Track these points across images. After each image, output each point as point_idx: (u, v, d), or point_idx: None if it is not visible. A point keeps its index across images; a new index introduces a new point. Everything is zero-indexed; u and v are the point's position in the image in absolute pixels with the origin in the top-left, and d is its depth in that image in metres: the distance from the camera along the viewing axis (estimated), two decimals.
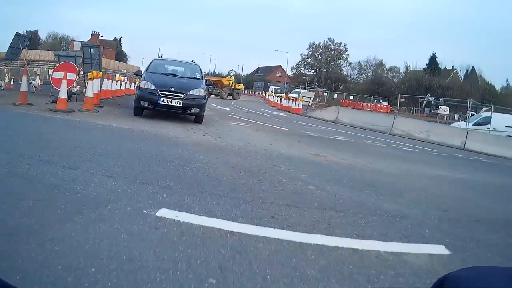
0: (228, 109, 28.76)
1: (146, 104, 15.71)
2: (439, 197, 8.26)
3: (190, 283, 3.33)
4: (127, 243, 3.91)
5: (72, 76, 17.78)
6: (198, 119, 17.06)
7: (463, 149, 22.64)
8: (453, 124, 34.79)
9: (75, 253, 3.57)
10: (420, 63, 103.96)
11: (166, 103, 15.56)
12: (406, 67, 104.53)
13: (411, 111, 68.52)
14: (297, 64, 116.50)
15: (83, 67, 26.12)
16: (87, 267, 3.34)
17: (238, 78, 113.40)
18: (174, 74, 18.08)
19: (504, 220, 7.17)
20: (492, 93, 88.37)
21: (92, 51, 27.94)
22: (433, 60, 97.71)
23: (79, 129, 11.23)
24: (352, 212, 6.06)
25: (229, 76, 69.45)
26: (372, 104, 69.67)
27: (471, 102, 43.14)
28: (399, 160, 13.68)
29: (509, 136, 28.33)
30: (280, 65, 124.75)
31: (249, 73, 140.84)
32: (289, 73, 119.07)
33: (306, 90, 67.99)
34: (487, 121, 31.62)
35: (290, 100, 41.78)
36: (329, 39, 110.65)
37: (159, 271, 3.45)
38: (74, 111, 15.33)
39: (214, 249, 4.03)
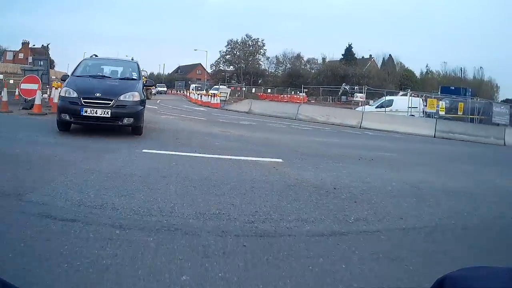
0: (156, 107, 33.42)
1: (67, 117, 12.43)
2: (299, 147, 13.60)
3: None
4: (126, 163, 8.95)
5: (35, 86, 21.24)
6: (136, 131, 13.44)
7: (360, 127, 27.60)
8: (357, 108, 39.66)
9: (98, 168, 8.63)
10: (337, 54, 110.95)
11: (90, 114, 12.22)
12: (323, 58, 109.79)
13: (328, 99, 72.95)
14: (216, 61, 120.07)
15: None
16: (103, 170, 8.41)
17: (160, 78, 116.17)
18: (105, 76, 14.60)
19: (334, 154, 12.44)
20: (411, 79, 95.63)
21: (42, 63, 29.60)
22: (349, 50, 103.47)
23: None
24: (238, 150, 11.41)
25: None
26: (289, 96, 73.46)
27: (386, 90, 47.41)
28: (288, 134, 19.14)
29: (412, 115, 33.57)
30: (200, 63, 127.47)
31: (170, 72, 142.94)
32: (209, 70, 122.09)
33: (225, 87, 72.53)
34: (389, 104, 36.47)
35: (210, 96, 45.68)
36: (246, 35, 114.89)
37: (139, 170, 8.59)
38: (46, 114, 18.81)
39: (167, 159, 9.21)
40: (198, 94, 53.09)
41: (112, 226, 4.71)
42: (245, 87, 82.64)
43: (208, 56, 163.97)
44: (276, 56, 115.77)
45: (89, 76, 14.16)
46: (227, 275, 3.72)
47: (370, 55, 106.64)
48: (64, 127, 13.20)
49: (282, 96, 72.54)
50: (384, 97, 39.64)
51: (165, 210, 5.48)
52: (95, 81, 13.59)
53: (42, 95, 22.29)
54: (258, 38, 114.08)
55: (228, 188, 6.92)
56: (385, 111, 34.50)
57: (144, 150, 10.21)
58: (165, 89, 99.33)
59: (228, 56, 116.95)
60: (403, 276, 4.07)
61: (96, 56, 17.24)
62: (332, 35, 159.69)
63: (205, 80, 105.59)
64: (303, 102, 56.29)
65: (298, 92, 74.28)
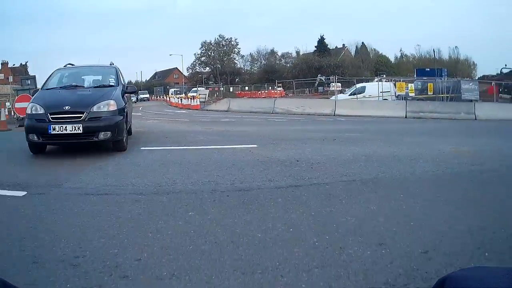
0: (140, 114, 35.26)
1: (35, 137, 10.76)
2: (273, 135, 15.69)
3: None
4: (130, 158, 10.96)
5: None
6: (118, 146, 11.53)
7: (334, 115, 29.71)
8: (332, 97, 41.19)
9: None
10: (310, 46, 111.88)
11: (60, 132, 10.48)
12: (297, 52, 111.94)
13: (306, 92, 74.27)
14: (192, 64, 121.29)
15: None
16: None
17: (138, 85, 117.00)
18: (78, 86, 12.67)
19: (303, 138, 14.39)
20: (386, 64, 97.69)
21: (29, 82, 30.94)
22: (321, 41, 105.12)
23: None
24: (220, 142, 13.39)
25: None
26: (267, 91, 74.55)
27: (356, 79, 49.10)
28: (265, 126, 21.41)
29: (386, 99, 35.83)
30: (177, 67, 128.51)
31: (147, 79, 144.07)
32: (186, 73, 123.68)
33: (203, 88, 74.25)
34: (361, 90, 38.55)
35: (189, 99, 47.54)
36: (219, 36, 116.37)
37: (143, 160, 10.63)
38: None
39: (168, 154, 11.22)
40: (178, 98, 55.07)
41: (136, 194, 6.67)
42: (222, 87, 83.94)
43: (183, 60, 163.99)
44: (250, 54, 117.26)
45: (60, 88, 12.46)
46: (217, 212, 5.68)
47: (343, 45, 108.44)
48: (35, 149, 11.49)
49: (260, 92, 73.93)
50: (355, 85, 41.35)
51: (169, 182, 7.47)
52: (66, 93, 11.94)
53: None
54: (231, 38, 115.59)
55: (214, 166, 8.90)
56: (357, 98, 36.31)
57: (142, 148, 12.20)
58: (147, 95, 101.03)
59: (203, 58, 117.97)
60: (336, 205, 6.00)
61: (72, 65, 15.05)
62: (303, 28, 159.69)
63: (183, 83, 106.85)
64: (281, 96, 58.16)
65: (275, 87, 75.87)
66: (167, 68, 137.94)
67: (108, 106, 11.11)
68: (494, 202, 6.15)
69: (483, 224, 5.03)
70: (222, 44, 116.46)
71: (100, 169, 8.99)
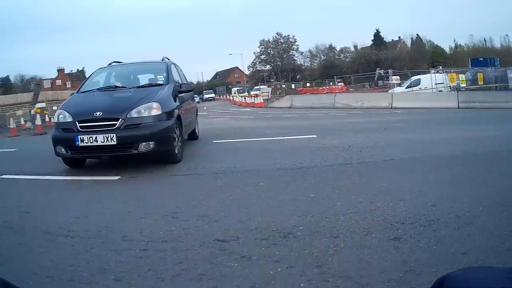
0: (206, 113, 37.13)
1: (63, 150, 9.20)
2: (331, 127, 17.38)
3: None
4: (204, 148, 12.75)
5: None
6: (168, 157, 9.67)
7: (391, 108, 30.85)
8: (389, 91, 42.36)
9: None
10: (367, 40, 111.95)
11: (88, 144, 8.76)
12: (355, 46, 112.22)
13: (366, 86, 74.41)
14: (252, 62, 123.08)
15: None
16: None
17: (200, 85, 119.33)
18: (118, 87, 10.87)
19: (359, 128, 15.90)
20: (441, 55, 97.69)
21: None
22: (377, 35, 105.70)
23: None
24: (283, 134, 14.83)
25: None
26: (328, 87, 75.13)
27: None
28: (325, 119, 23.03)
29: (441, 91, 36.32)
30: (237, 66, 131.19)
31: (209, 79, 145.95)
32: (247, 72, 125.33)
33: (265, 86, 75.60)
34: (417, 83, 39.16)
35: (252, 97, 49.21)
36: (277, 34, 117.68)
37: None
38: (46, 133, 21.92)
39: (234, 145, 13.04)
40: (241, 96, 56.85)
41: (214, 173, 8.45)
42: (284, 84, 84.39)
43: (243, 59, 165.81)
44: (309, 50, 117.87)
45: (98, 89, 10.77)
46: (281, 182, 7.37)
47: (399, 37, 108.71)
48: (71, 163, 9.96)
49: (321, 88, 74.48)
50: (410, 78, 42.18)
51: (241, 164, 9.19)
52: (101, 96, 10.19)
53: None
54: (288, 35, 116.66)
55: (278, 153, 10.52)
56: (412, 90, 37.05)
57: (213, 141, 13.70)
58: (212, 95, 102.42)
59: (263, 56, 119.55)
60: (373, 176, 7.49)
61: (118, 62, 13.24)
62: (359, 21, 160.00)
63: (245, 82, 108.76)
64: (342, 91, 59.25)
65: (337, 82, 76.67)
66: (228, 68, 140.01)
67: (150, 109, 9.10)
68: (494, 175, 7.34)
69: (484, 189, 6.37)
70: (280, 42, 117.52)
71: (191, 157, 10.61)
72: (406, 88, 39.60)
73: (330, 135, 14.06)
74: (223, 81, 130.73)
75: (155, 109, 9.15)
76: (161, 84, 10.81)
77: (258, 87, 74.68)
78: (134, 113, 8.93)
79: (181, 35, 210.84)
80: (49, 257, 4.41)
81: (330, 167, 8.48)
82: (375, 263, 3.75)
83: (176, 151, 9.68)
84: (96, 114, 8.87)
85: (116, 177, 8.76)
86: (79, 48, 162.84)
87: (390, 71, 66.54)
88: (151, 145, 8.81)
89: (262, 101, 47.09)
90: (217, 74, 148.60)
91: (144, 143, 8.77)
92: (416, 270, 3.59)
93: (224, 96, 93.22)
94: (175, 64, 13.05)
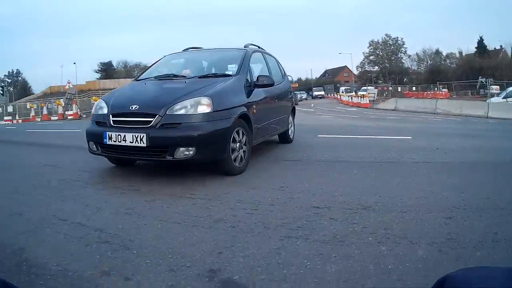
0: (313, 110, 38.66)
1: (94, 146, 7.71)
2: (426, 130, 18.32)
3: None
4: (307, 142, 14.44)
5: None
6: (222, 168, 7.63)
7: (486, 117, 30.87)
8: (487, 100, 40.91)
9: None
10: (470, 46, 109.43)
11: (116, 143, 7.12)
12: (460, 53, 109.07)
13: (468, 93, 73.10)
14: (361, 62, 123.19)
15: None
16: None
17: (308, 82, 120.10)
18: (176, 76, 9.00)
19: (449, 133, 17.06)
20: None
21: None
22: (481, 42, 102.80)
23: None
24: (382, 133, 16.03)
25: None
26: (432, 92, 74.24)
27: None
28: (423, 123, 23.96)
29: None
30: (346, 66, 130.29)
31: (317, 76, 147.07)
32: (355, 72, 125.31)
33: (372, 87, 75.77)
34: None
35: (359, 97, 49.94)
36: (386, 35, 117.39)
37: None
38: None
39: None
40: (348, 96, 57.71)
41: (316, 161, 9.77)
42: (391, 86, 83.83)
43: (352, 58, 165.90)
44: (416, 54, 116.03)
45: (154, 78, 9.02)
46: (373, 171, 8.54)
47: (501, 46, 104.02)
48: (114, 161, 8.60)
49: (426, 93, 73.59)
50: (506, 89, 41.27)
51: (341, 156, 10.48)
52: (150, 86, 8.49)
53: None
54: (397, 37, 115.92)
55: (375, 148, 11.65)
56: (506, 101, 36.28)
57: (319, 135, 14.97)
58: (322, 93, 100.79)
59: (371, 57, 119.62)
60: (440, 173, 8.57)
61: (195, 48, 11.17)
62: (465, 27, 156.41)
63: (353, 81, 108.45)
64: (445, 97, 58.91)
65: (441, 88, 76.09)
66: (337, 66, 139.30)
67: (197, 105, 7.07)
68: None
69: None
70: (389, 43, 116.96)
71: (283, 147, 11.79)
72: (502, 98, 38.67)
73: (423, 137, 15.02)
74: (332, 80, 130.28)
75: (204, 106, 7.02)
76: (228, 75, 8.51)
77: (365, 87, 75.13)
78: (175, 109, 6.91)
79: (292, 30, 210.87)
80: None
81: (416, 163, 9.57)
82: (427, 231, 4.85)
83: (235, 160, 7.57)
84: (132, 107, 7.07)
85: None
86: (186, 38, 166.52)
87: (490, 80, 65.53)
88: (191, 152, 6.73)
89: (368, 101, 47.99)
90: (326, 72, 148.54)
91: (183, 148, 6.73)
92: (455, 239, 4.50)
93: (332, 95, 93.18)
94: (264, 53, 11.10)
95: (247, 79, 8.78)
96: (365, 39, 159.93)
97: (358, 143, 13.29)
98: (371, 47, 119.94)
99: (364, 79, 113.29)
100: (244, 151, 8.01)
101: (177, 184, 7.20)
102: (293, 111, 13.14)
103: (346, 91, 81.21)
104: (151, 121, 6.88)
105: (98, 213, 5.64)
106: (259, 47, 11.40)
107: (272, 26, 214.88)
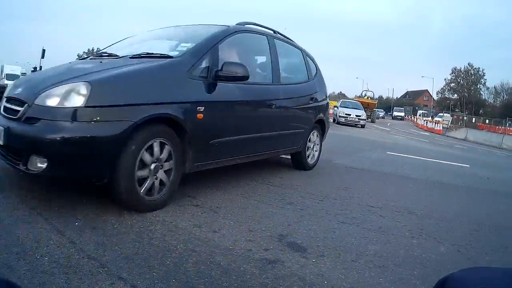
0: (388, 129, 39.15)
1: None
2: (484, 161, 18.71)
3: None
4: (376, 156, 15.33)
5: None
6: (115, 195, 4.66)
7: None
8: None
9: None
10: None
11: None
12: None
13: None
14: (441, 88, 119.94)
15: None
16: None
17: (389, 102, 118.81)
18: (110, 55, 6.20)
19: (503, 166, 17.72)
20: None
21: None
22: None
23: None
24: (441, 158, 16.67)
25: (366, 97, 56.64)
26: (503, 127, 71.75)
27: None
28: (486, 156, 24.32)
29: None
30: (427, 90, 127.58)
31: (398, 97, 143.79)
32: (435, 97, 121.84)
33: (448, 115, 74.21)
34: None
35: (434, 123, 49.63)
36: (468, 64, 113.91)
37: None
38: None
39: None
40: (424, 120, 57.09)
41: (379, 172, 10.74)
42: (466, 116, 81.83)
43: (434, 83, 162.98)
44: (494, 87, 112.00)
45: (93, 56, 6.69)
46: (421, 186, 9.36)
47: None
48: None
49: (498, 127, 71.76)
50: None
51: (404, 171, 11.23)
52: (65, 66, 5.81)
53: None
54: (479, 67, 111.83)
55: (431, 170, 12.36)
56: None
57: (387, 152, 15.84)
58: (402, 114, 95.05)
59: (452, 84, 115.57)
60: (485, 197, 9.43)
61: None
62: None
63: (431, 106, 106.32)
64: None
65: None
66: (418, 89, 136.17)
67: (69, 95, 4.34)
68: None
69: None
70: (471, 73, 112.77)
71: (348, 157, 12.79)
72: None
73: (480, 167, 15.45)
74: (412, 102, 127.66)
75: (79, 97, 4.29)
76: (167, 56, 5.55)
77: (441, 114, 74.02)
78: (43, 98, 4.43)
79: (378, 47, 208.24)
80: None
81: (464, 187, 10.21)
82: (453, 236, 5.79)
83: (143, 190, 4.87)
84: (16, 91, 4.97)
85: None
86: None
87: None
88: (44, 165, 4.25)
89: (441, 128, 47.55)
90: (407, 93, 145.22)
91: (36, 158, 4.29)
92: (473, 245, 5.36)
93: (409, 117, 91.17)
94: (272, 37, 7.78)
95: (200, 67, 5.52)
96: (447, 65, 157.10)
97: (420, 164, 13.83)
98: (453, 74, 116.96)
99: (443, 105, 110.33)
100: (162, 180, 5.10)
101: (256, 173, 8.10)
102: (321, 126, 9.61)
103: (423, 115, 79.96)
104: (19, 111, 4.51)
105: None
106: (266, 28, 7.96)
107: (360, 40, 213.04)
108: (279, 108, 7.43)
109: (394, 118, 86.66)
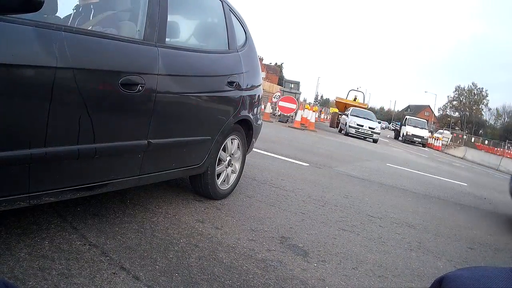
0: (387, 140, 39.24)
1: None
2: (479, 181, 18.78)
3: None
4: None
5: (293, 106, 25.16)
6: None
7: None
8: None
9: None
10: None
11: None
12: None
13: None
14: (443, 105, 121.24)
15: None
16: None
17: (390, 113, 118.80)
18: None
19: (500, 186, 17.59)
20: None
21: (292, 86, 33.39)
22: None
23: (314, 137, 21.51)
24: (438, 174, 16.67)
25: (355, 99, 46.65)
26: (502, 150, 71.77)
27: None
28: (484, 176, 24.28)
29: None
30: (429, 105, 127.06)
31: (399, 110, 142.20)
32: (436, 113, 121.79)
33: (448, 132, 74.74)
34: None
35: (434, 139, 49.54)
36: (472, 84, 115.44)
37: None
38: (304, 129, 24.93)
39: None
40: None
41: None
42: (466, 135, 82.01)
43: (436, 99, 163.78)
44: (496, 108, 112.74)
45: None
46: (424, 203, 9.36)
47: None
48: None
49: (496, 149, 72.09)
50: None
51: (403, 184, 11.30)
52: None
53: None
54: (482, 88, 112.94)
55: (430, 186, 12.40)
56: None
57: (387, 164, 15.93)
58: (425, 132, 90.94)
59: (455, 102, 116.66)
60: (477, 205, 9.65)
61: None
62: None
63: (432, 122, 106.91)
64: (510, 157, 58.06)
65: (510, 147, 74.65)
66: (420, 104, 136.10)
67: None
68: None
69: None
70: (474, 93, 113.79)
71: (349, 166, 12.92)
72: None
73: (477, 187, 15.52)
74: (413, 115, 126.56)
75: None
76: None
77: (441, 130, 74.58)
78: None
79: (382, 59, 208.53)
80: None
81: (461, 204, 10.24)
82: (450, 252, 5.94)
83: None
84: None
85: (306, 164, 11.08)
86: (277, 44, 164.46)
87: None
88: None
89: (440, 145, 47.67)
90: (409, 107, 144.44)
91: None
92: (468, 263, 5.52)
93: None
94: None
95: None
96: (451, 83, 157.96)
97: (420, 178, 13.89)
98: (456, 92, 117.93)
99: (443, 122, 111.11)
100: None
101: (262, 175, 8.21)
102: (245, 130, 5.96)
103: None
104: None
105: None
106: None
107: (367, 48, 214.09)
108: (153, 92, 3.72)
109: (408, 140, 45.32)
